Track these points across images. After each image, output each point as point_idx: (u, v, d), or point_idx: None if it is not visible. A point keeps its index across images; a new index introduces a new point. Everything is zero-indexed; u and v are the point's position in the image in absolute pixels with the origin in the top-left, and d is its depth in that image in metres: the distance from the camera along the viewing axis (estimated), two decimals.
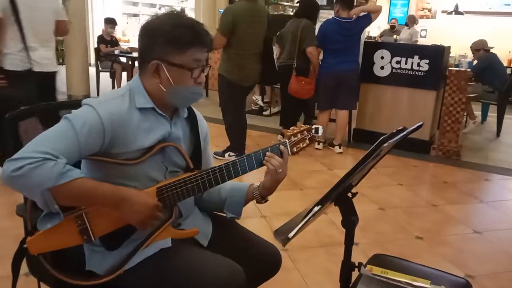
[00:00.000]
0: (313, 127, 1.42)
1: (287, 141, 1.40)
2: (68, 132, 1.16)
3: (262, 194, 1.48)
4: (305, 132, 1.41)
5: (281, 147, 1.38)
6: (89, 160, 1.27)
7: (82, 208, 1.23)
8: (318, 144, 4.96)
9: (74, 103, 1.61)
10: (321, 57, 4.98)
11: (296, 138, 1.41)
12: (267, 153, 1.37)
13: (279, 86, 5.70)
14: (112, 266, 1.28)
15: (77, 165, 1.25)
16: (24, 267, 1.36)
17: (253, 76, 4.25)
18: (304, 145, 1.42)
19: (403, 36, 9.01)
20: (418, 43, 8.78)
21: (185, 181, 1.31)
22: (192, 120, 1.45)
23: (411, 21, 9.17)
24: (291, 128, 1.43)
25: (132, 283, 1.31)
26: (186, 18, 1.29)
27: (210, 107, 6.54)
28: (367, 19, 4.75)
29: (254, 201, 1.51)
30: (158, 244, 1.32)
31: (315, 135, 1.42)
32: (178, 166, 1.39)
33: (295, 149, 1.41)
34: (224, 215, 1.54)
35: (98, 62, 7.56)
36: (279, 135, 5.24)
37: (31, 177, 1.08)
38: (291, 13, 8.47)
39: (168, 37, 1.24)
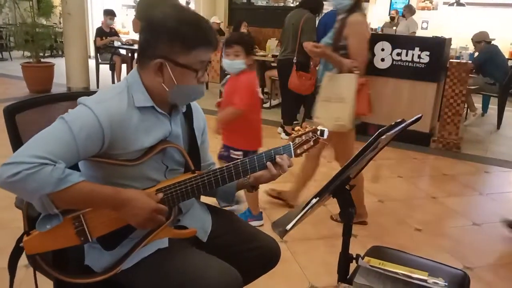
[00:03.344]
0: (319, 128, 1.39)
1: (291, 143, 1.37)
2: (65, 135, 1.12)
3: (252, 184, 1.47)
4: (310, 133, 1.38)
5: (285, 155, 1.35)
6: (88, 160, 1.24)
7: (80, 210, 1.21)
8: None
9: (69, 96, 1.61)
10: None
11: (300, 140, 1.38)
12: (277, 160, 1.34)
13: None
14: (110, 264, 1.28)
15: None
16: (24, 258, 1.36)
17: None
18: (309, 147, 1.39)
19: (400, 28, 8.80)
20: (416, 34, 8.64)
21: (185, 183, 1.29)
22: (188, 113, 1.42)
23: (408, 11, 8.85)
24: (296, 128, 1.40)
25: (129, 283, 1.31)
26: (192, 14, 1.25)
27: (210, 100, 6.52)
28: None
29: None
30: (155, 244, 1.30)
31: (320, 137, 1.38)
32: (178, 164, 1.37)
33: (298, 151, 1.38)
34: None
35: (98, 54, 7.54)
36: (279, 128, 5.23)
37: (28, 183, 1.04)
38: (292, 5, 8.44)
39: (173, 35, 1.19)
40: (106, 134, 1.16)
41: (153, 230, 1.28)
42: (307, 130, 1.39)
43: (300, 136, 1.38)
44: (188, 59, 1.22)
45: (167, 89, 1.24)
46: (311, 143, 1.39)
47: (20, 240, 1.22)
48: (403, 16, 8.96)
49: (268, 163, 1.34)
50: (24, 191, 1.08)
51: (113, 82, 7.41)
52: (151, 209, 1.21)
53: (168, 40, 1.19)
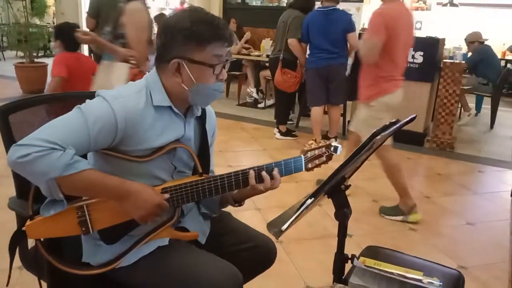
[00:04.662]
0: (333, 144, 1.39)
1: (302, 156, 1.37)
2: (79, 125, 1.15)
3: (236, 199, 1.47)
4: (323, 148, 1.39)
5: (274, 172, 1.33)
6: (96, 153, 1.26)
7: (84, 200, 1.22)
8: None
9: (62, 96, 1.61)
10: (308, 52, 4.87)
11: (312, 154, 1.38)
12: (262, 174, 1.32)
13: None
14: (108, 260, 1.28)
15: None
16: (17, 260, 1.35)
17: None
18: (321, 162, 1.39)
19: None
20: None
21: (191, 185, 1.29)
22: (202, 117, 1.43)
23: None
24: (309, 142, 1.40)
25: (129, 280, 1.31)
26: (205, 14, 1.27)
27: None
28: (348, 15, 4.62)
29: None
30: (155, 242, 1.31)
31: (334, 153, 1.38)
32: (187, 166, 1.38)
33: (309, 165, 1.38)
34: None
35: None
36: (275, 129, 5.22)
37: (37, 165, 1.08)
38: (285, 5, 8.45)
39: (187, 33, 1.21)
40: (119, 129, 1.18)
41: (155, 229, 1.29)
42: (320, 144, 1.39)
43: (312, 150, 1.38)
44: (203, 56, 1.23)
45: (187, 88, 1.26)
46: (324, 158, 1.39)
47: (23, 224, 1.23)
48: None
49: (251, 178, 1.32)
50: (32, 173, 1.11)
51: None
52: (154, 204, 1.22)
53: (182, 39, 1.22)
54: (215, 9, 9.61)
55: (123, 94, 1.23)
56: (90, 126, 1.15)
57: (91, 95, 1.25)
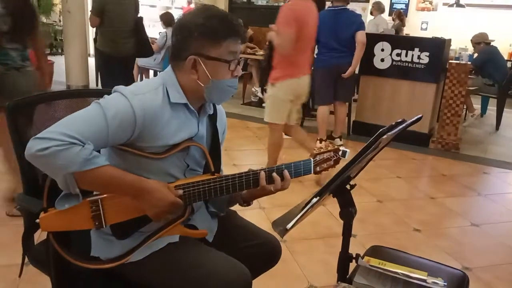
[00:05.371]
0: (341, 149, 1.43)
1: (311, 159, 1.41)
2: (99, 120, 1.15)
3: (245, 199, 1.48)
4: (332, 153, 1.43)
5: (285, 172, 1.36)
6: (111, 149, 1.27)
7: (99, 194, 1.23)
8: (320, 142, 4.88)
9: (68, 93, 1.62)
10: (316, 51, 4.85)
11: (321, 157, 1.42)
12: (273, 175, 1.34)
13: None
14: (118, 255, 1.29)
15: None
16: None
17: (126, 49, 4.78)
18: (329, 165, 1.44)
19: (369, 27, 7.80)
20: (411, 35, 8.15)
21: (203, 183, 1.30)
22: (213, 115, 1.44)
23: (376, 8, 7.98)
24: (318, 146, 1.43)
25: (138, 276, 1.32)
26: (217, 10, 1.29)
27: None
28: (358, 16, 4.62)
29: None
30: (166, 238, 1.32)
31: (342, 157, 1.43)
32: (199, 165, 1.39)
33: (318, 169, 1.42)
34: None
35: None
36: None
37: (56, 159, 1.08)
38: None
39: (202, 30, 1.23)
40: (138, 125, 1.19)
41: (166, 226, 1.30)
42: (329, 148, 1.43)
43: (321, 153, 1.42)
44: (219, 52, 1.25)
45: (203, 85, 1.27)
46: (331, 162, 1.44)
47: (35, 217, 1.23)
48: (371, 13, 8.24)
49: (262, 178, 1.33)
50: (50, 167, 1.12)
51: None
52: (169, 202, 1.23)
53: (197, 36, 1.24)
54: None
55: (141, 90, 1.24)
56: (109, 121, 1.16)
57: (107, 92, 1.26)
